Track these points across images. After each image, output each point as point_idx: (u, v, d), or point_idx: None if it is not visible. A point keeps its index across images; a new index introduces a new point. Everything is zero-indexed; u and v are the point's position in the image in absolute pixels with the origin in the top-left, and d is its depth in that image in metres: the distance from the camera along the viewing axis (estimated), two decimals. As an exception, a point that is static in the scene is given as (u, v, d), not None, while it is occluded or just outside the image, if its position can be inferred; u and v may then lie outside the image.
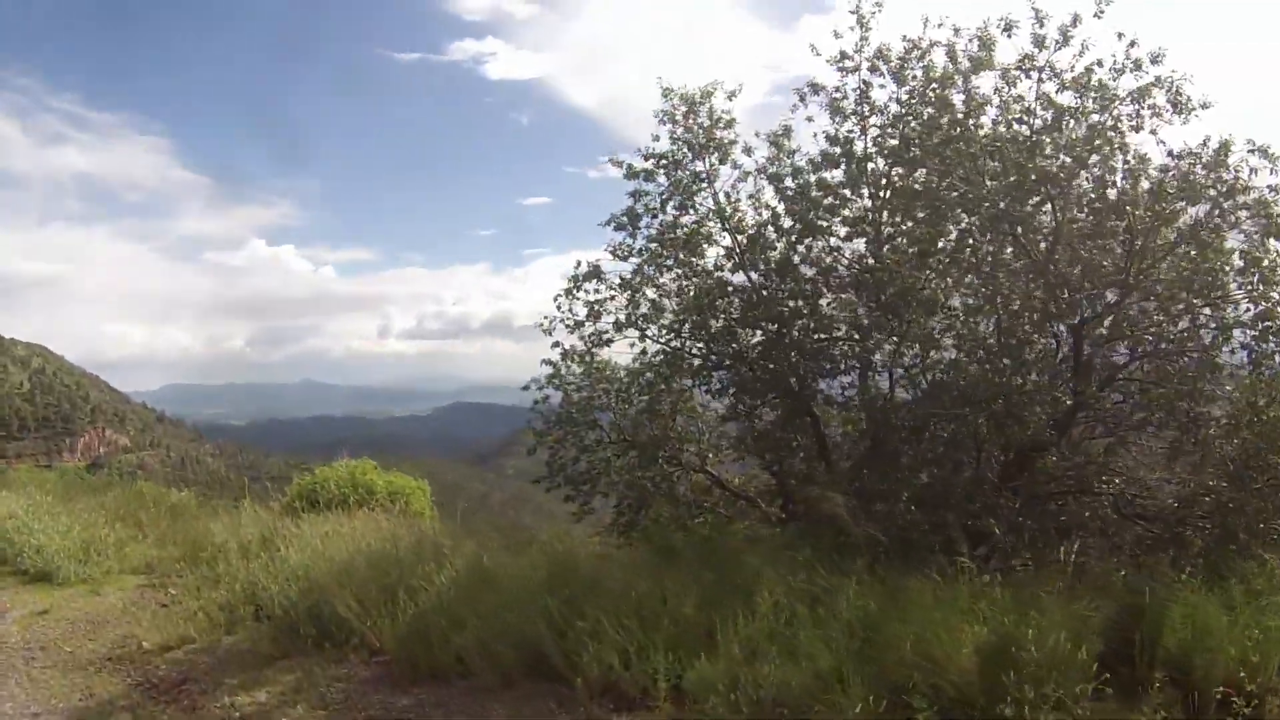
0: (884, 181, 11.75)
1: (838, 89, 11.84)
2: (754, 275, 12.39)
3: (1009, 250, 10.87)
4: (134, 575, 11.79)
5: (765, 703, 5.93)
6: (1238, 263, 10.00)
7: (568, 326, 12.94)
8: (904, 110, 11.46)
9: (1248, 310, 9.88)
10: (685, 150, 12.52)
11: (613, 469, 13.28)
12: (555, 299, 12.98)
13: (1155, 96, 10.32)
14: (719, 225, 12.59)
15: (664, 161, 12.60)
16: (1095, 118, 10.57)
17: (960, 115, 11.07)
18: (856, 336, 11.46)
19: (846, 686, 5.80)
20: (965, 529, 9.90)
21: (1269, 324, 9.68)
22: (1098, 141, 10.38)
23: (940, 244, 11.07)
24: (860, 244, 12.02)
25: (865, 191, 11.77)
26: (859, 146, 11.73)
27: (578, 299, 12.79)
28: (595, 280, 12.71)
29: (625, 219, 12.67)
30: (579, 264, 12.89)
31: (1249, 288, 9.91)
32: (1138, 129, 10.46)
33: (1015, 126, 10.87)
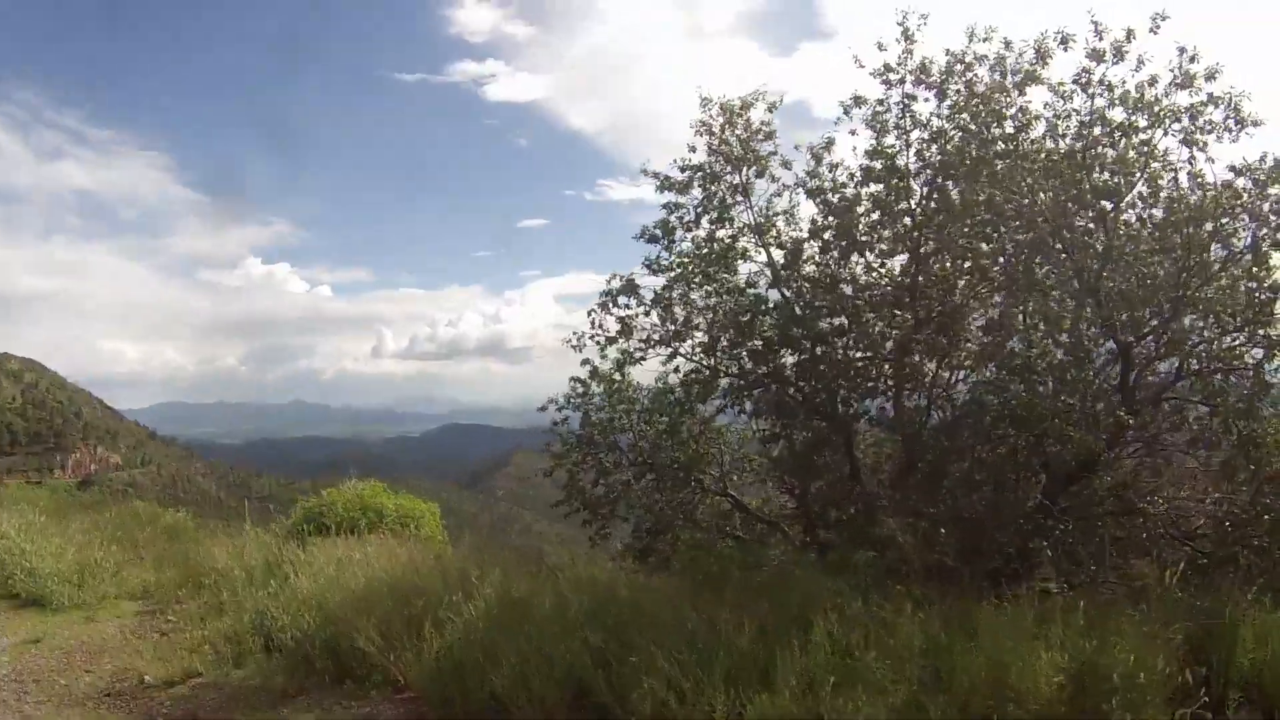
0: (925, 197, 11.24)
1: (881, 102, 11.34)
2: (789, 292, 11.95)
3: (1062, 268, 10.43)
4: (131, 600, 11.22)
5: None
6: None
7: (598, 343, 12.53)
8: (952, 125, 11.00)
9: None
10: (722, 162, 12.06)
11: (632, 492, 12.81)
12: (590, 313, 12.57)
13: (1210, 113, 9.97)
14: (755, 240, 12.16)
15: (700, 174, 12.16)
16: (1147, 134, 10.24)
17: (1011, 130, 10.70)
18: (898, 355, 11.00)
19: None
20: (1014, 552, 9.81)
21: None
22: (1151, 160, 10.16)
23: (994, 261, 10.73)
24: (898, 261, 11.61)
25: (905, 206, 11.24)
26: (901, 161, 11.24)
27: (611, 314, 12.33)
28: (628, 295, 12.24)
29: (659, 232, 12.22)
30: (612, 277, 12.47)
31: None
32: (1190, 144, 10.09)
33: (1066, 142, 10.54)
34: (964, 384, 11.27)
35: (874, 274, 11.53)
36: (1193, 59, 9.92)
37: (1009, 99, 10.81)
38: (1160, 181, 10.26)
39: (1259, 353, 9.75)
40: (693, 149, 12.26)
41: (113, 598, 11.14)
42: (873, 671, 5.81)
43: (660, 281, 12.32)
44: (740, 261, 12.15)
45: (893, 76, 11.17)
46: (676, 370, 12.47)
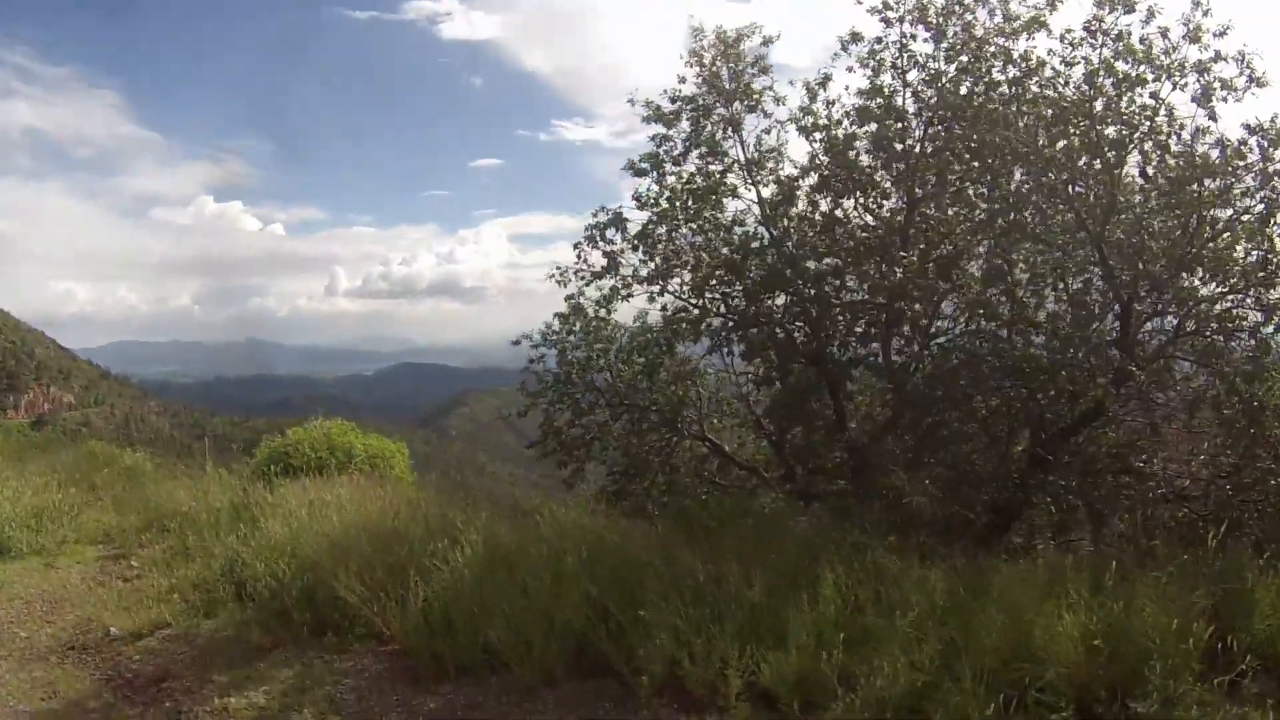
0: (923, 138, 11.05)
1: (879, 40, 11.13)
2: (776, 231, 11.74)
3: (1064, 217, 10.22)
4: (91, 545, 10.75)
5: (880, 701, 5.15)
6: None
7: (583, 279, 12.25)
8: (954, 66, 10.83)
9: None
10: (713, 95, 11.75)
11: (609, 433, 12.54)
12: (575, 247, 12.41)
13: (1219, 70, 9.76)
14: (745, 177, 11.92)
15: (690, 106, 11.86)
16: (1154, 87, 10.02)
17: (1017, 74, 10.60)
18: (890, 299, 10.73)
19: (956, 680, 5.13)
20: (1002, 506, 9.89)
21: None
22: (1156, 115, 10.01)
23: (994, 206, 10.51)
24: (893, 204, 11.50)
25: (902, 147, 11.04)
26: (898, 101, 11.11)
27: (598, 248, 12.02)
28: (616, 229, 11.90)
29: (647, 165, 11.91)
30: (600, 210, 12.28)
31: None
32: (1202, 101, 9.91)
33: (1072, 90, 10.35)
34: (956, 332, 11.14)
35: (870, 215, 11.28)
36: (1206, 13, 9.69)
37: (1012, 43, 10.67)
38: (1166, 136, 10.09)
39: (1259, 316, 9.70)
40: (682, 80, 12.03)
41: (72, 542, 10.67)
42: (892, 629, 5.54)
43: (645, 217, 12.10)
44: (729, 199, 11.96)
45: (891, 15, 10.93)
46: (664, 309, 12.29)
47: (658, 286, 12.18)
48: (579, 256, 12.41)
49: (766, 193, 11.99)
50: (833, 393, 11.73)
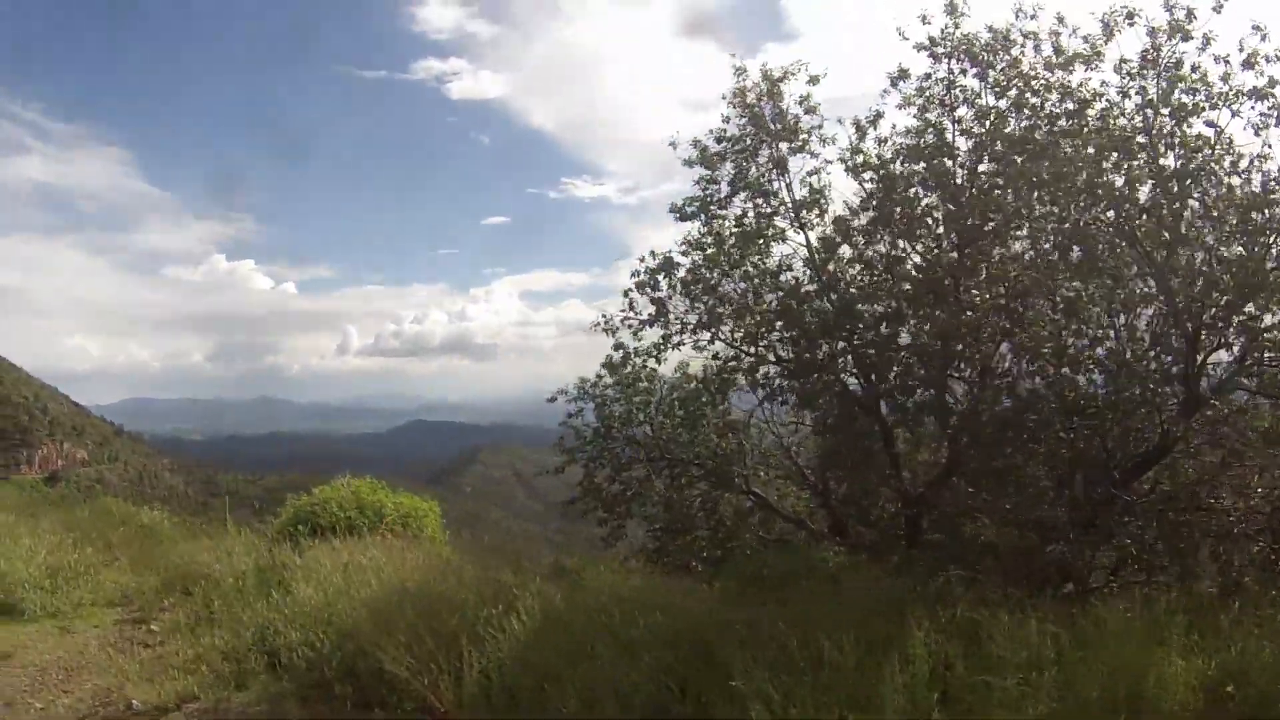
0: (977, 174, 10.73)
1: (927, 75, 10.97)
2: (824, 276, 11.42)
3: (1126, 250, 9.94)
4: (109, 608, 10.26)
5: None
6: None
7: (630, 327, 12.12)
8: (1005, 101, 10.65)
9: None
10: (759, 135, 11.52)
11: (650, 489, 12.06)
12: (626, 294, 12.19)
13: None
14: (792, 220, 11.64)
15: (736, 146, 11.61)
16: (1210, 115, 9.86)
17: (1074, 107, 10.32)
18: (959, 342, 10.36)
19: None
20: (1070, 552, 9.47)
21: None
22: (1215, 144, 9.85)
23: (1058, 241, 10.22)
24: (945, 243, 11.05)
25: (958, 184, 10.74)
26: (948, 137, 10.86)
27: (647, 295, 11.65)
28: (666, 274, 11.49)
29: (694, 207, 11.75)
30: (650, 254, 12.03)
31: None
32: (1261, 128, 9.75)
33: (1131, 122, 10.17)
34: (1015, 372, 10.61)
35: (924, 256, 10.86)
36: (1264, 37, 9.55)
37: (1065, 76, 10.49)
38: (1229, 164, 9.89)
39: None
40: (726, 119, 11.78)
41: (89, 605, 10.15)
42: (986, 686, 5.17)
43: (687, 263, 11.91)
44: (777, 243, 11.70)
45: (939, 50, 10.77)
46: (716, 357, 11.95)
47: (708, 334, 11.85)
48: (629, 304, 12.12)
49: (814, 235, 11.69)
50: (887, 441, 11.35)
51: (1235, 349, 9.75)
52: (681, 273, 11.85)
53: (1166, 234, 9.62)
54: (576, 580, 8.35)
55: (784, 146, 11.56)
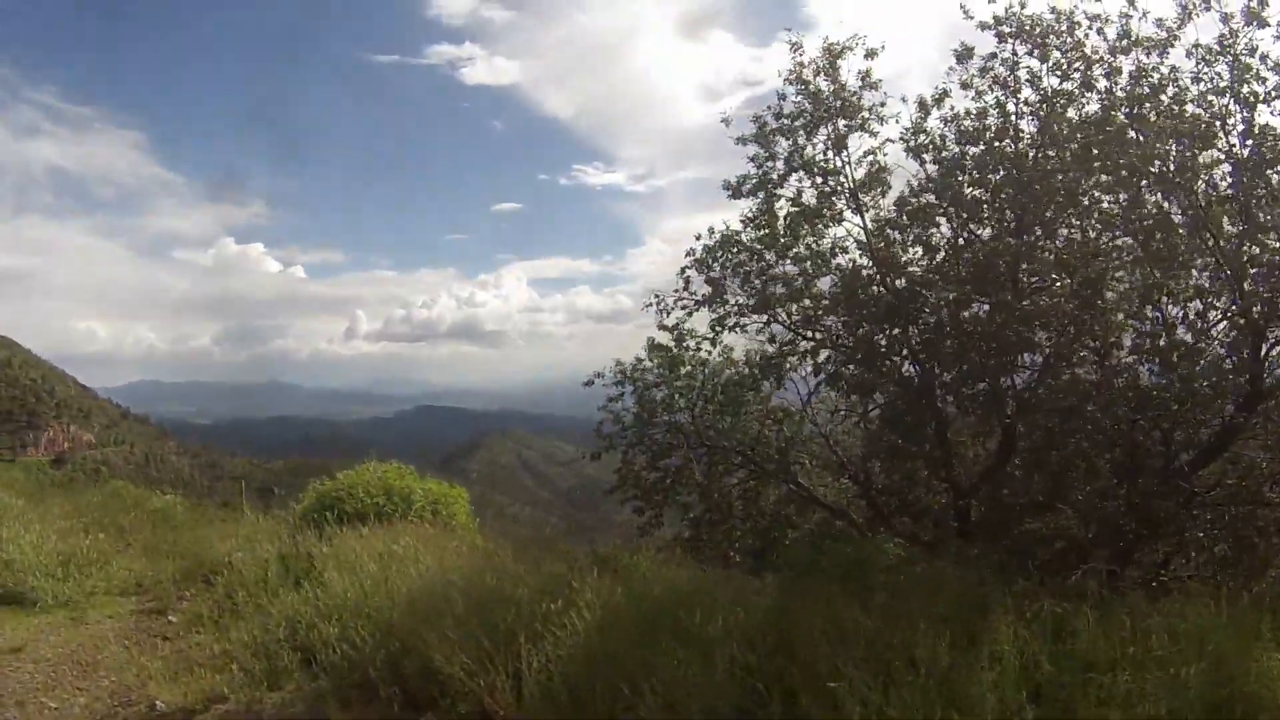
0: (1038, 157, 10.25)
1: (993, 55, 10.51)
2: (877, 258, 11.02)
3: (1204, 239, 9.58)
4: (123, 597, 9.76)
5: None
6: None
7: (685, 308, 11.72)
8: (1071, 84, 10.29)
9: None
10: (819, 111, 11.03)
11: (689, 476, 11.95)
12: (682, 271, 11.75)
13: None
14: (849, 201, 11.16)
15: (799, 122, 11.12)
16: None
17: (1147, 91, 9.90)
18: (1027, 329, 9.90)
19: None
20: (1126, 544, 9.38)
21: None
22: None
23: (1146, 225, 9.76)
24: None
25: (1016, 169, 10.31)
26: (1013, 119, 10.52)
27: (704, 274, 11.50)
28: (728, 250, 11.12)
29: (754, 184, 11.27)
30: (708, 231, 11.58)
31: None
32: None
33: (1202, 110, 9.74)
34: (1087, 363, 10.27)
35: (997, 241, 10.36)
36: None
37: (1142, 59, 10.04)
38: None
39: None
40: (782, 97, 11.32)
41: (102, 593, 9.66)
42: (1079, 684, 4.87)
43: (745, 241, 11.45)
44: (831, 225, 11.25)
45: (1005, 30, 10.37)
46: (773, 340, 11.51)
47: (765, 317, 11.39)
48: (684, 283, 11.68)
49: (869, 218, 11.21)
50: (939, 430, 10.83)
51: None
52: (736, 252, 11.41)
53: (1241, 224, 9.29)
54: (628, 571, 7.78)
55: (844, 124, 11.02)
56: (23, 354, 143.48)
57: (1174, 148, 9.57)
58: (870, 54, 10.96)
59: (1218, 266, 9.37)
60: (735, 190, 11.31)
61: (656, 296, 11.81)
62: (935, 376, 10.65)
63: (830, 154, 11.11)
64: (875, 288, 10.82)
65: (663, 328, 11.79)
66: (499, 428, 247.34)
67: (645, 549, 10.84)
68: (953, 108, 10.74)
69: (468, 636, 5.93)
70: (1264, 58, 9.42)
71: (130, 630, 8.49)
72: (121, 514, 12.88)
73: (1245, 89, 9.46)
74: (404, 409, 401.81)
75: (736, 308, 11.45)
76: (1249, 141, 9.45)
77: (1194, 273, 9.54)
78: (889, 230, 11.06)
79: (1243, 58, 9.48)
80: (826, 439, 12.17)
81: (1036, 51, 10.28)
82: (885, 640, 5.28)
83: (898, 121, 11.01)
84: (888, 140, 11.06)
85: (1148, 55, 9.98)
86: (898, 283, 10.72)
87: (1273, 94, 9.40)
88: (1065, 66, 10.18)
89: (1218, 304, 9.58)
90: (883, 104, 10.94)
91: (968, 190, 10.48)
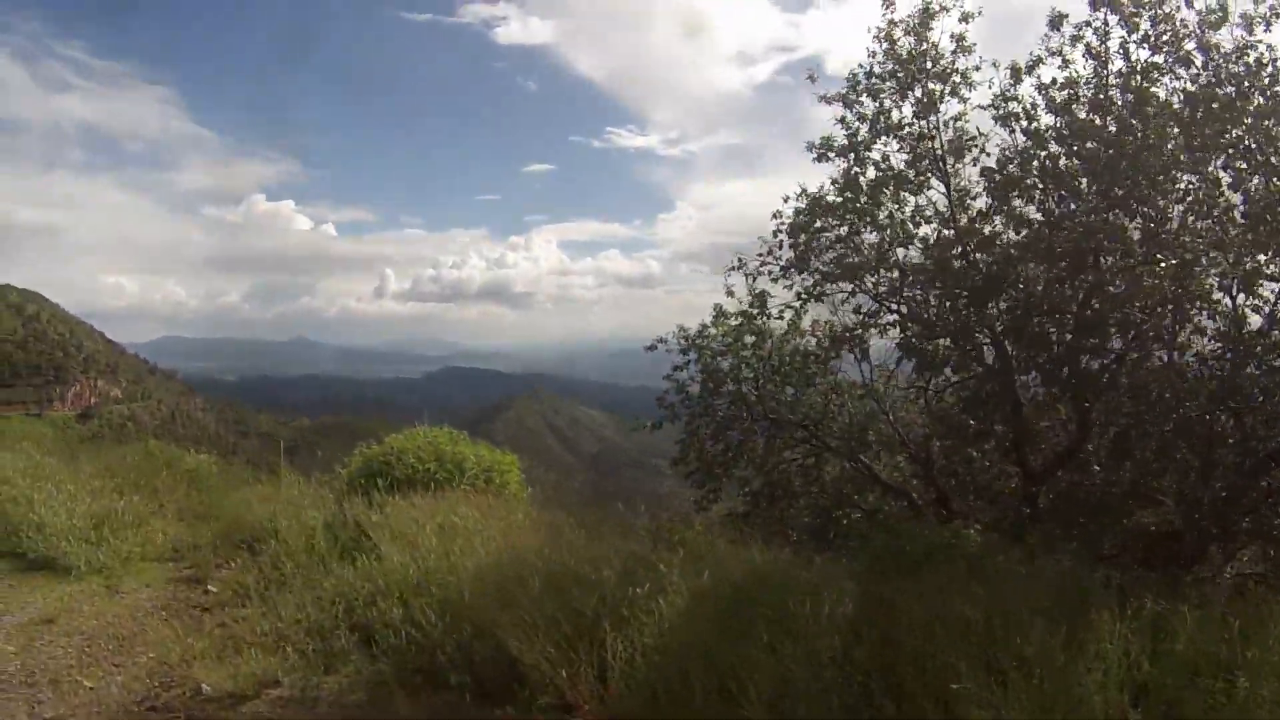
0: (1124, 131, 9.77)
1: (1087, 23, 10.15)
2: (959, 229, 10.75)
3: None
4: (159, 563, 9.24)
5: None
6: None
7: (771, 276, 11.47)
8: (1168, 57, 9.87)
9: None
10: (910, 73, 10.72)
11: (752, 450, 11.72)
12: (775, 234, 11.44)
13: None
14: (934, 167, 10.87)
15: (890, 82, 10.86)
16: None
17: (1244, 70, 9.52)
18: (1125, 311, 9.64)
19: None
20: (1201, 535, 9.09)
21: None
22: None
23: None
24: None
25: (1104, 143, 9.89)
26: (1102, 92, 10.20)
27: (803, 236, 11.21)
28: (823, 216, 11.11)
29: (843, 147, 11.01)
30: (801, 191, 11.24)
31: None
32: None
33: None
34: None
35: (1091, 217, 9.80)
36: None
37: (1245, 35, 9.62)
38: None
39: None
40: (872, 55, 11.03)
41: (137, 559, 9.11)
42: (1180, 685, 4.61)
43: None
44: (915, 194, 10.95)
45: None
46: (858, 310, 11.23)
47: (850, 286, 11.12)
48: (772, 249, 11.44)
49: (953, 186, 10.90)
50: (1015, 412, 10.41)
51: None
52: (826, 218, 11.09)
53: None
54: (701, 551, 7.17)
55: (935, 88, 10.63)
56: (50, 308, 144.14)
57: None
58: (965, 17, 10.60)
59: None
60: (821, 154, 10.93)
61: (739, 259, 11.44)
62: (1016, 357, 10.22)
63: (918, 118, 10.70)
64: (961, 261, 10.41)
65: (730, 293, 11.48)
66: (526, 390, 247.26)
67: (697, 524, 10.36)
68: (1039, 76, 10.41)
69: (548, 621, 5.36)
70: None
71: (168, 600, 7.99)
72: (154, 474, 12.32)
73: None
74: (431, 370, 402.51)
75: (819, 274, 11.05)
76: None
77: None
78: (968, 200, 10.73)
79: None
80: (888, 416, 11.79)
81: (1125, 22, 9.85)
82: (992, 636, 4.87)
83: (990, 87, 10.63)
84: (977, 107, 10.71)
85: (1249, 31, 9.54)
86: (986, 257, 10.28)
87: None
88: (1153, 39, 9.75)
89: None
90: (977, 68, 10.60)
91: (1062, 162, 10.05)
